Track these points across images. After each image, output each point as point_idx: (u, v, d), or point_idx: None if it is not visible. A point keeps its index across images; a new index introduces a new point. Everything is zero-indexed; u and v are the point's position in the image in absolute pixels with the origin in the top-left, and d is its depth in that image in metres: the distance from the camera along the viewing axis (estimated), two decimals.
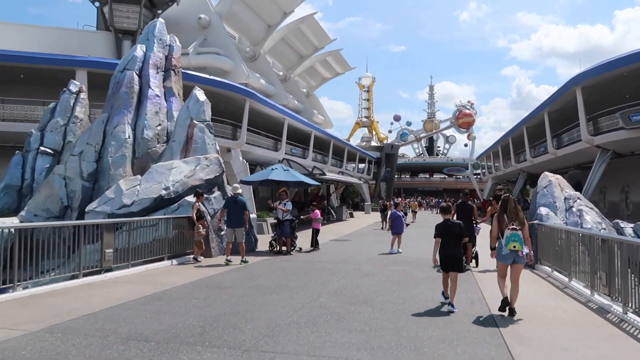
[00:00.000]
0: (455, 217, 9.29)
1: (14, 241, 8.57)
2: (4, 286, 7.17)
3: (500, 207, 6.88)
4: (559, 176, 15.16)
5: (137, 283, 8.53)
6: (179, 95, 16.33)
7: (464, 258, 9.93)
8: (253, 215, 17.07)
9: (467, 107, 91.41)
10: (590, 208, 13.85)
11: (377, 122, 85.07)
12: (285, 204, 13.79)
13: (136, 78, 15.17)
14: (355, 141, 72.80)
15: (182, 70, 22.35)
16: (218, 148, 15.02)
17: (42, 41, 23.80)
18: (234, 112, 25.81)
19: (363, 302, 7.18)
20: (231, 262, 11.16)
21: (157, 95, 15.32)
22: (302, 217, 16.20)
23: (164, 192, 12.53)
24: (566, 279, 9.18)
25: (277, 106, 29.40)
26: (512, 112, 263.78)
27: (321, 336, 5.38)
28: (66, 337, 5.20)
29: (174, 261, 11.18)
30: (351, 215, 38.21)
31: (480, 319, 6.30)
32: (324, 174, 25.42)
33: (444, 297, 7.13)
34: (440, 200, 55.89)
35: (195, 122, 14.44)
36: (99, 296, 7.31)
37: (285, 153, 32.18)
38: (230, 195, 12.25)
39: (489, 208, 11.72)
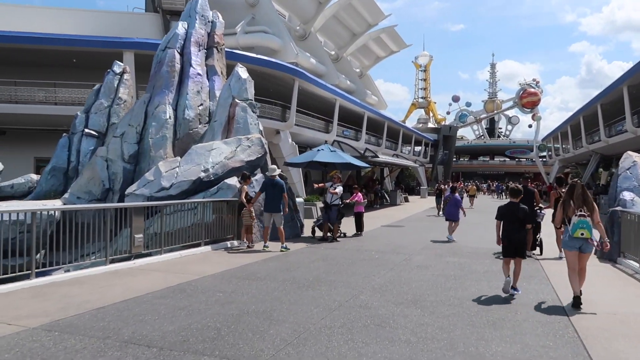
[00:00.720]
0: None
1: (52, 223, 8.36)
2: (21, 272, 6.70)
3: (566, 192, 6.42)
4: None
5: (165, 272, 7.90)
6: (222, 73, 15.66)
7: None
8: (299, 199, 16.29)
9: (532, 85, 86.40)
10: None
11: (435, 103, 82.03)
12: (335, 187, 12.90)
13: (177, 56, 14.63)
14: (411, 123, 70.49)
15: (229, 50, 21.81)
16: (262, 128, 14.23)
17: (93, 25, 24.02)
18: (282, 93, 25.04)
19: (411, 302, 6.11)
20: (268, 247, 10.45)
21: (199, 74, 14.72)
22: (346, 200, 15.18)
23: (202, 174, 11.91)
24: None
25: (328, 86, 28.32)
26: (580, 91, 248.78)
27: (356, 347, 4.40)
28: (62, 336, 4.53)
29: (212, 247, 10.57)
30: (406, 200, 36.80)
31: (557, 329, 5.08)
32: (376, 156, 24.21)
33: (508, 278, 6.59)
34: (500, 184, 52.94)
35: (237, 100, 13.71)
36: (119, 286, 6.70)
37: (337, 135, 31.15)
38: (268, 178, 11.44)
39: (552, 192, 10.94)
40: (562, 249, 6.35)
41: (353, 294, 6.53)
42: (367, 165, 15.14)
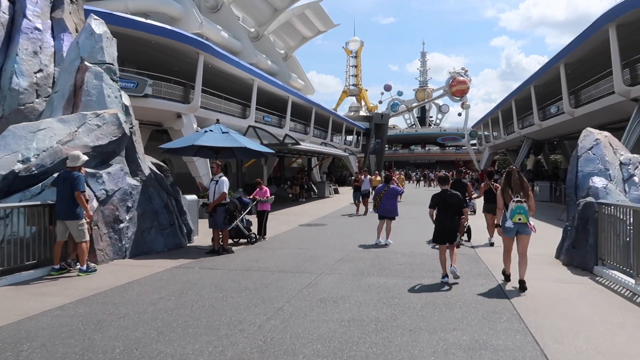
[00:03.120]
0: None
1: None
2: None
3: (504, 179, 6.69)
4: (607, 133, 10.89)
5: None
6: (76, 31, 11.69)
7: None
8: (192, 197, 12.78)
9: (461, 74, 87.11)
10: None
11: (366, 90, 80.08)
12: (216, 181, 9.56)
13: (5, 3, 10.54)
14: (343, 111, 68.02)
15: (116, 14, 17.71)
16: (128, 103, 10.51)
17: None
18: (187, 70, 21.18)
19: None
20: (55, 272, 7.20)
21: (37, 29, 10.70)
22: (250, 197, 11.91)
23: (20, 165, 8.07)
24: None
25: (243, 64, 24.62)
26: (501, 83, 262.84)
27: None
28: None
29: (19, 277, 6.90)
30: (336, 192, 34.21)
31: None
32: (297, 143, 21.02)
33: (445, 277, 6.59)
34: (428, 172, 53.19)
35: (87, 64, 9.90)
36: None
37: (256, 121, 27.60)
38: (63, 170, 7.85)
39: (482, 184, 11.20)
40: (502, 234, 6.53)
41: None
42: (270, 151, 11.88)
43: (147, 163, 10.65)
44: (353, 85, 78.41)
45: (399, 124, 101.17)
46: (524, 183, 6.53)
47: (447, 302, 5.58)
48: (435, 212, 6.95)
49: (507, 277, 6.63)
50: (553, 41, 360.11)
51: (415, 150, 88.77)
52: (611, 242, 7.28)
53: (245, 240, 11.12)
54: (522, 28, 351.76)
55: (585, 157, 10.16)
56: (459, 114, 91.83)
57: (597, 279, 7.02)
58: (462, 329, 4.61)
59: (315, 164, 36.40)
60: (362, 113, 68.11)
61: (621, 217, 7.06)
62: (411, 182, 51.91)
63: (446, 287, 6.37)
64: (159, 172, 10.78)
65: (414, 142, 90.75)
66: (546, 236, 13.32)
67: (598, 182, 8.58)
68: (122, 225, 8.93)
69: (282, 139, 21.32)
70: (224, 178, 9.50)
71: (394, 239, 11.00)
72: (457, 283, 6.57)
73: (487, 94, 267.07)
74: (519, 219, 6.15)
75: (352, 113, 67.37)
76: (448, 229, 6.76)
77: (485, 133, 54.39)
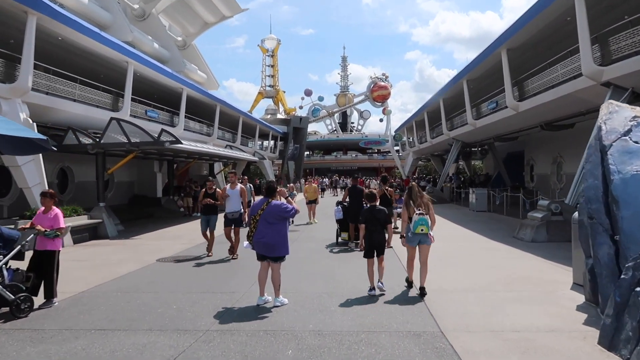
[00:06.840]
0: (348, 200, 12.05)
1: None
2: None
3: (406, 194, 7.16)
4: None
5: None
6: None
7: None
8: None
9: (382, 79, 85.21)
10: None
11: (284, 92, 75.20)
12: None
13: None
14: (259, 114, 62.54)
15: None
16: None
17: None
18: (20, 39, 14.97)
19: None
20: None
21: None
22: (25, 227, 6.47)
23: None
24: None
25: (107, 38, 18.54)
26: (416, 94, 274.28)
27: None
28: None
29: None
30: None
31: None
32: (178, 142, 15.51)
33: (372, 290, 6.88)
34: (341, 179, 51.96)
35: None
36: None
37: (136, 115, 21.59)
38: None
39: (377, 190, 10.25)
40: (406, 244, 6.94)
41: None
42: (42, 137, 6.44)
43: None
44: (270, 86, 73.13)
45: (320, 129, 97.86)
46: (424, 197, 7.02)
47: None
48: (365, 227, 7.05)
49: (410, 284, 7.29)
50: (460, 56, 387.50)
51: (343, 157, 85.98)
52: None
53: (8, 309, 5.83)
54: (432, 43, 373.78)
55: (620, 148, 5.72)
56: (381, 120, 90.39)
57: None
58: None
59: (220, 169, 30.72)
60: (280, 116, 63.09)
61: None
62: (331, 189, 48.70)
63: None
64: None
65: (336, 148, 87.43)
66: (526, 271, 8.86)
67: None
68: None
69: (157, 135, 15.66)
70: None
71: (293, 290, 6.12)
72: (383, 294, 6.79)
73: (403, 105, 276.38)
74: (422, 230, 6.67)
75: (269, 116, 62.11)
76: (376, 243, 7.03)
77: (410, 139, 51.49)
